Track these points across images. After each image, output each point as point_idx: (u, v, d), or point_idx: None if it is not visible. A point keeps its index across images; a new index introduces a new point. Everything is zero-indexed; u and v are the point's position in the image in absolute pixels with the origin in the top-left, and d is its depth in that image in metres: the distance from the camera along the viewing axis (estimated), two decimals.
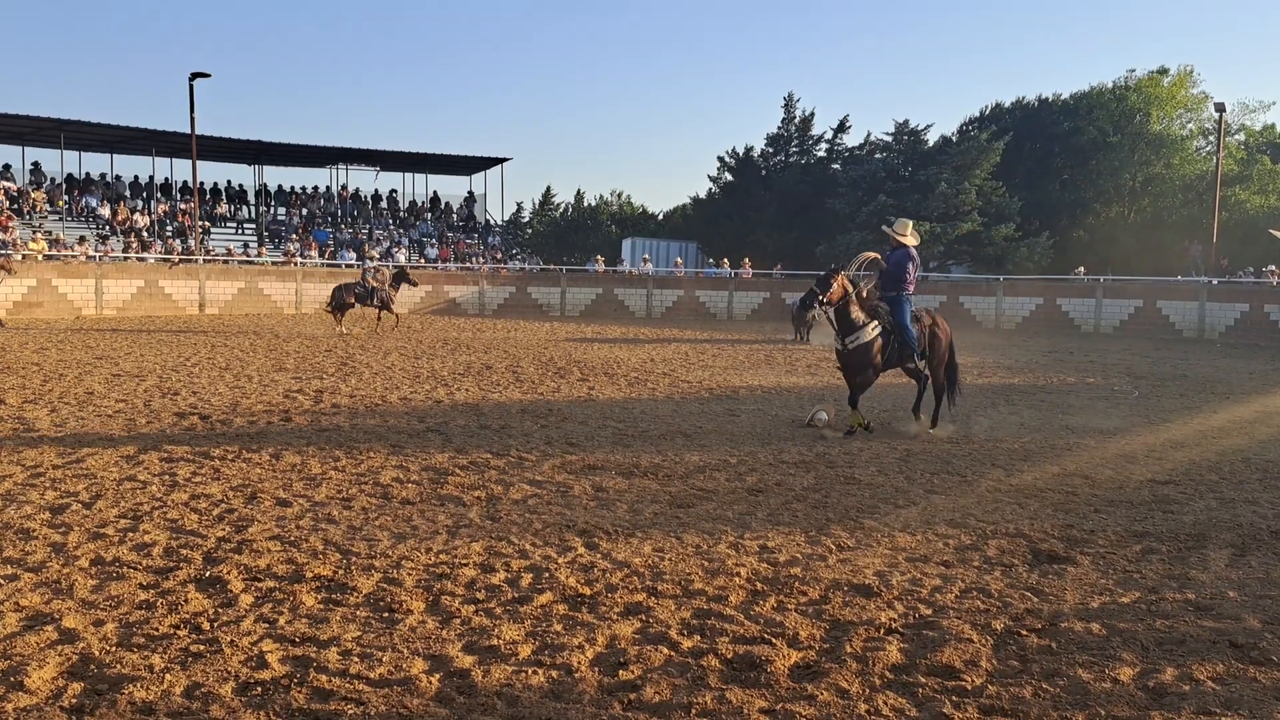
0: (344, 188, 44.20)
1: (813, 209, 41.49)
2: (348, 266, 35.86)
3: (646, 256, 39.82)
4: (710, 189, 46.97)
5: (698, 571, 5.58)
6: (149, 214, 37.70)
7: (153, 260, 31.88)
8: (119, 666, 4.11)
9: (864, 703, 3.94)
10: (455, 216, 45.95)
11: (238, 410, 11.04)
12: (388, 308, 23.87)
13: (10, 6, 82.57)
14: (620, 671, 4.19)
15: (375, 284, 23.71)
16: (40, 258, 28.92)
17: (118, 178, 39.68)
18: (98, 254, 31.18)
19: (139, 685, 3.93)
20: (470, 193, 47.18)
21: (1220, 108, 34.56)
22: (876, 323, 10.09)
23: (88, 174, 38.90)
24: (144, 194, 39.40)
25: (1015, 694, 4.02)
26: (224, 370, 14.96)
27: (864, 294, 10.24)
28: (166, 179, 40.83)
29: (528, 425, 10.43)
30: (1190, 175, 41.31)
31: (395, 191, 45.82)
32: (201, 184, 38.55)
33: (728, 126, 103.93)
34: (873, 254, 10.85)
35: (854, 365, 10.12)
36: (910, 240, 10.46)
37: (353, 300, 23.36)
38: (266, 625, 4.62)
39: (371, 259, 27.05)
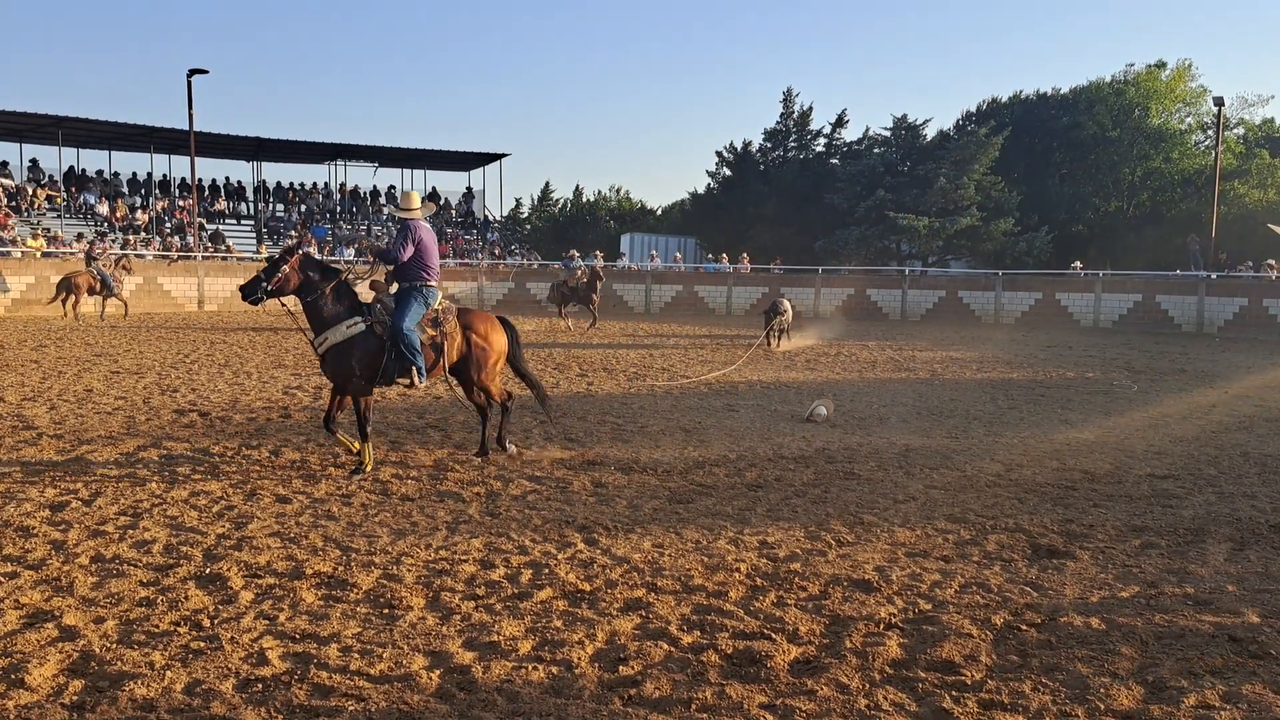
0: (342, 184, 44.13)
1: (811, 204, 41.48)
2: (347, 262, 35.81)
3: (654, 253, 39.79)
4: (709, 184, 46.99)
5: (697, 567, 5.58)
6: (148, 211, 37.64)
7: (151, 257, 31.83)
8: (119, 664, 4.12)
9: (864, 698, 3.94)
10: (454, 212, 45.89)
11: (237, 407, 11.04)
12: (586, 305, 25.32)
13: (8, 3, 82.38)
14: (620, 667, 4.19)
15: (573, 283, 25.42)
16: (38, 255, 28.87)
17: (116, 174, 39.59)
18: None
19: (140, 682, 3.93)
20: (469, 189, 47.12)
21: (1219, 102, 34.52)
22: (358, 320, 7.75)
23: (84, 170, 38.83)
24: (142, 190, 39.34)
25: (1015, 688, 4.03)
26: (223, 367, 14.95)
27: (351, 281, 8.10)
28: (165, 175, 40.80)
29: (527, 420, 10.43)
30: (1189, 169, 41.32)
31: (394, 187, 45.74)
32: (200, 180, 38.50)
33: (726, 121, 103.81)
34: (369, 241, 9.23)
35: (331, 374, 7.89)
36: (417, 214, 8.13)
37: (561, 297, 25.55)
38: (267, 622, 4.62)
39: (573, 258, 27.62)
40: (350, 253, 37.27)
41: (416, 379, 7.88)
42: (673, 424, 10.49)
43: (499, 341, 8.43)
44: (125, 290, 25.66)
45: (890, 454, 9.06)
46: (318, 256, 8.55)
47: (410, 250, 7.89)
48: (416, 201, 8.27)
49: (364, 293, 8.10)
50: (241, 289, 7.78)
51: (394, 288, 8.06)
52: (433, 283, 8.02)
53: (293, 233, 39.01)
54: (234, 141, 39.37)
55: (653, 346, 20.63)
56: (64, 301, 24.20)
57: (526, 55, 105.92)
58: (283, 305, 7.98)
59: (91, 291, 24.57)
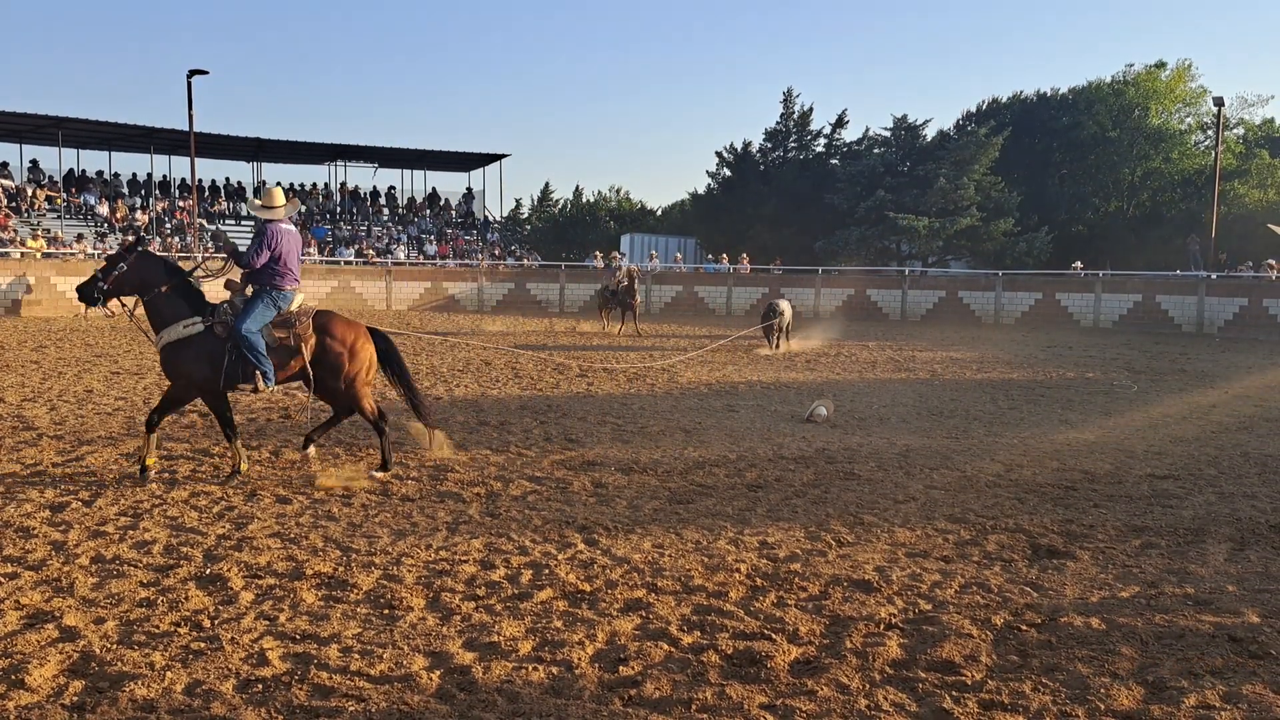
0: (342, 184, 44.15)
1: (811, 204, 41.46)
2: (347, 263, 35.85)
3: (654, 253, 39.80)
4: (709, 185, 46.99)
5: (697, 567, 5.58)
6: (148, 211, 37.66)
7: None
8: (120, 664, 4.12)
9: (864, 698, 3.94)
10: (454, 213, 45.91)
11: (237, 408, 11.02)
12: (632, 311, 24.81)
13: (8, 4, 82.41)
14: (620, 668, 4.20)
15: (614, 286, 24.80)
16: (39, 256, 28.89)
17: (116, 175, 39.62)
18: (96, 252, 31.14)
19: (140, 683, 3.93)
20: (469, 189, 47.14)
21: (1219, 102, 34.53)
22: (197, 319, 7.37)
23: (84, 171, 38.85)
24: (142, 191, 39.36)
25: (1015, 689, 4.03)
26: None
27: (199, 280, 7.82)
28: (165, 176, 40.82)
29: (527, 421, 10.43)
30: (1189, 170, 41.33)
31: (394, 188, 45.80)
32: (200, 181, 38.51)
33: (726, 122, 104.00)
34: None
35: (166, 374, 7.56)
36: (279, 212, 7.61)
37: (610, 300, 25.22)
38: (267, 622, 4.62)
39: (613, 259, 26.99)
40: (350, 253, 37.31)
41: (261, 383, 7.37)
42: (673, 424, 10.48)
43: (364, 351, 7.72)
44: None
45: (890, 454, 9.05)
46: (161, 254, 7.88)
47: (264, 257, 7.43)
48: (280, 199, 7.68)
49: (219, 291, 7.76)
50: (78, 289, 7.42)
51: (250, 289, 7.66)
52: (288, 286, 7.54)
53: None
54: (234, 142, 39.40)
55: (652, 348, 20.62)
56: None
57: (526, 56, 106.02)
58: (122, 306, 7.53)
59: None
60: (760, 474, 8.10)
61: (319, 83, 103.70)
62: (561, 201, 51.61)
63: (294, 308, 7.64)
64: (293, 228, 7.78)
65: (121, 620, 4.61)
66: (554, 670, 4.15)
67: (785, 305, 20.70)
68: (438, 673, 4.11)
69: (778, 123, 44.98)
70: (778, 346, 20.11)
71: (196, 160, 34.79)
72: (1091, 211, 41.72)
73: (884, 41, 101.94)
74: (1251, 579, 5.52)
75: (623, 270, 25.16)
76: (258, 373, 7.37)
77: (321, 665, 4.14)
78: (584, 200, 51.10)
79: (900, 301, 34.37)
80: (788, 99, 44.61)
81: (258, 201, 7.78)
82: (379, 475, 7.66)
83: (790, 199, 42.30)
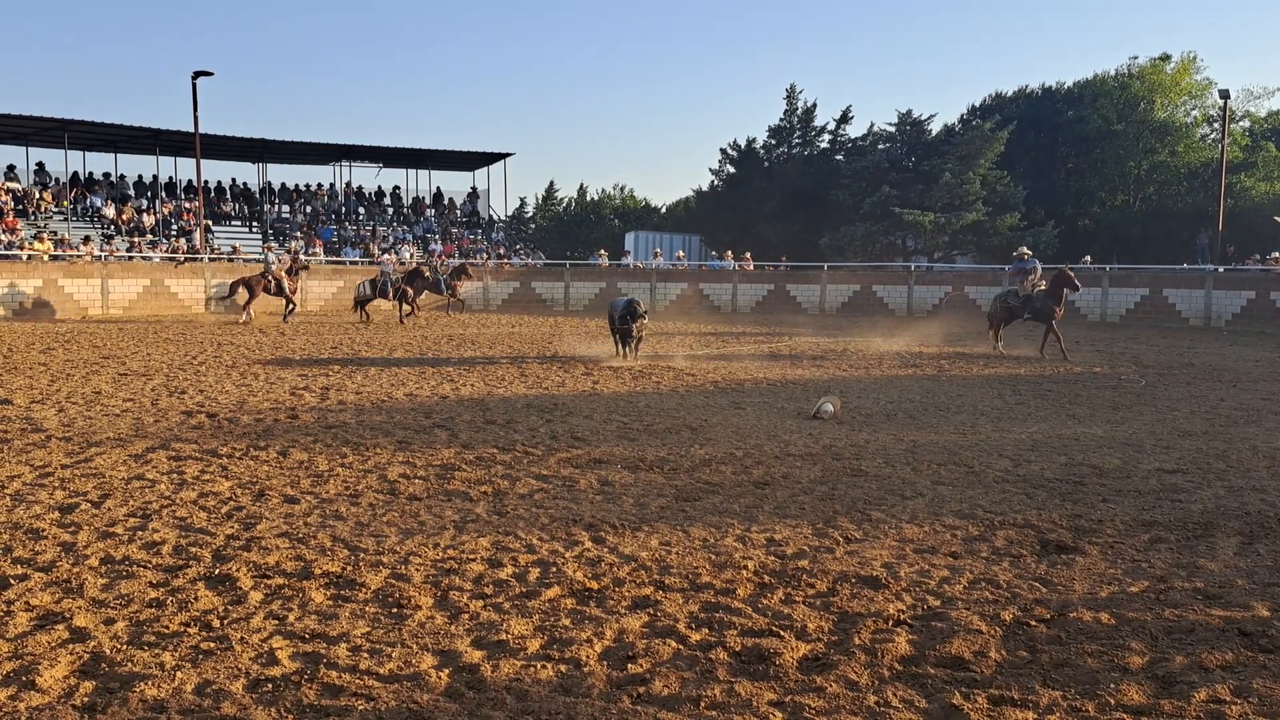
0: (347, 185, 44.19)
1: (816, 201, 41.44)
2: (352, 263, 35.90)
3: (658, 250, 39.79)
4: (713, 181, 47.01)
5: (705, 565, 5.58)
6: (154, 213, 37.74)
7: (158, 259, 31.90)
8: (130, 665, 4.13)
9: (873, 694, 3.94)
10: (459, 213, 45.91)
11: (245, 408, 11.06)
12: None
13: (11, 6, 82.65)
14: (629, 665, 4.20)
15: (1025, 291, 19.34)
16: (46, 258, 28.99)
17: (122, 177, 39.69)
18: (103, 254, 31.22)
19: (150, 683, 3.95)
20: (473, 189, 47.12)
21: (1225, 94, 34.40)
22: None
23: (90, 174, 38.93)
24: (148, 193, 39.43)
25: (1025, 684, 4.03)
26: (230, 368, 14.98)
27: None
28: (171, 178, 40.86)
29: (533, 420, 10.44)
30: (1195, 163, 41.20)
31: (398, 188, 45.79)
32: (206, 182, 38.56)
33: (729, 118, 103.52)
34: None
35: None
36: None
37: None
38: (276, 622, 4.63)
39: (1023, 258, 19.84)
40: (356, 254, 37.35)
41: None
42: (679, 422, 10.48)
43: None
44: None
45: (897, 450, 9.04)
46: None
47: None
48: None
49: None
50: None
51: None
52: None
53: (298, 233, 39.13)
54: (239, 143, 39.42)
55: (658, 344, 20.60)
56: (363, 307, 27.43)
57: (530, 55, 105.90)
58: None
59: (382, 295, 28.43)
60: (767, 471, 8.10)
61: (323, 83, 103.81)
62: (566, 200, 51.66)
63: None
64: None
65: (131, 621, 4.63)
66: (562, 668, 4.16)
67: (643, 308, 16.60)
68: (446, 671, 4.12)
69: (781, 119, 44.99)
70: (625, 355, 16.58)
71: (202, 161, 34.85)
72: (1097, 205, 41.66)
73: (888, 37, 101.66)
74: (1261, 573, 5.51)
75: (1037, 272, 19.12)
76: None
77: (331, 664, 4.16)
78: (588, 198, 51.11)
79: (906, 297, 34.31)
80: (791, 95, 44.61)
81: None
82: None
83: (795, 195, 42.28)
